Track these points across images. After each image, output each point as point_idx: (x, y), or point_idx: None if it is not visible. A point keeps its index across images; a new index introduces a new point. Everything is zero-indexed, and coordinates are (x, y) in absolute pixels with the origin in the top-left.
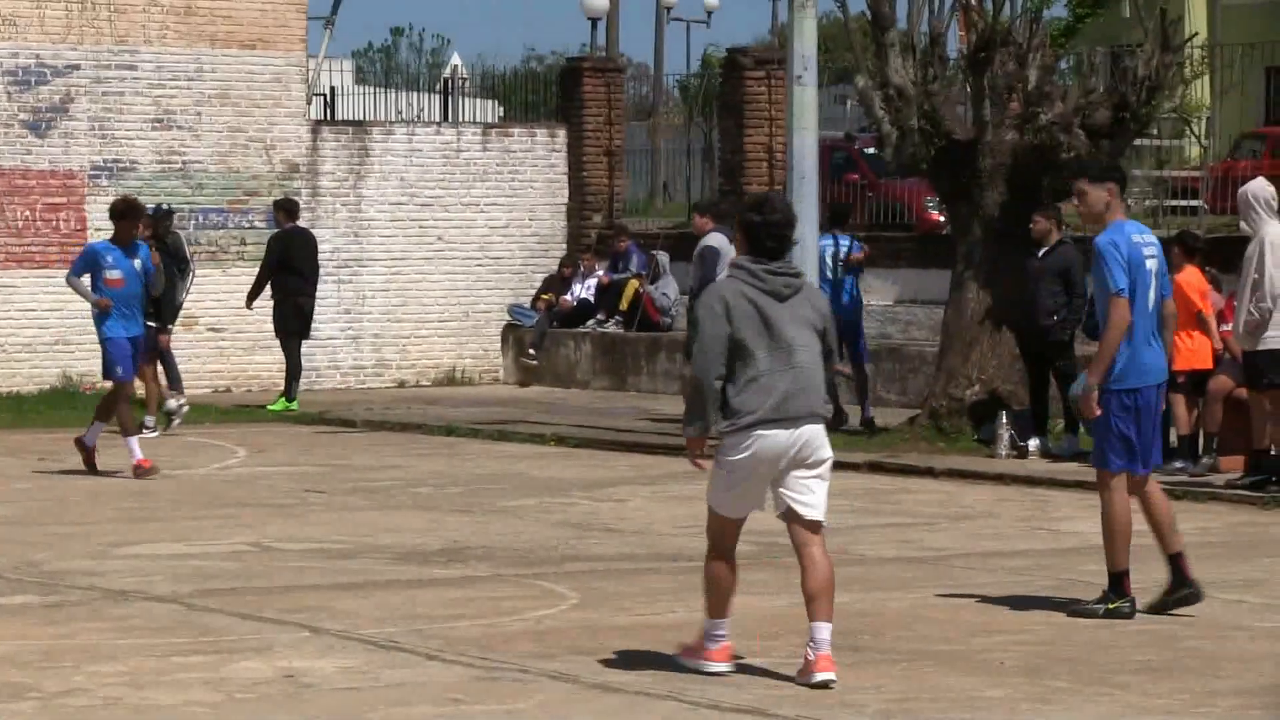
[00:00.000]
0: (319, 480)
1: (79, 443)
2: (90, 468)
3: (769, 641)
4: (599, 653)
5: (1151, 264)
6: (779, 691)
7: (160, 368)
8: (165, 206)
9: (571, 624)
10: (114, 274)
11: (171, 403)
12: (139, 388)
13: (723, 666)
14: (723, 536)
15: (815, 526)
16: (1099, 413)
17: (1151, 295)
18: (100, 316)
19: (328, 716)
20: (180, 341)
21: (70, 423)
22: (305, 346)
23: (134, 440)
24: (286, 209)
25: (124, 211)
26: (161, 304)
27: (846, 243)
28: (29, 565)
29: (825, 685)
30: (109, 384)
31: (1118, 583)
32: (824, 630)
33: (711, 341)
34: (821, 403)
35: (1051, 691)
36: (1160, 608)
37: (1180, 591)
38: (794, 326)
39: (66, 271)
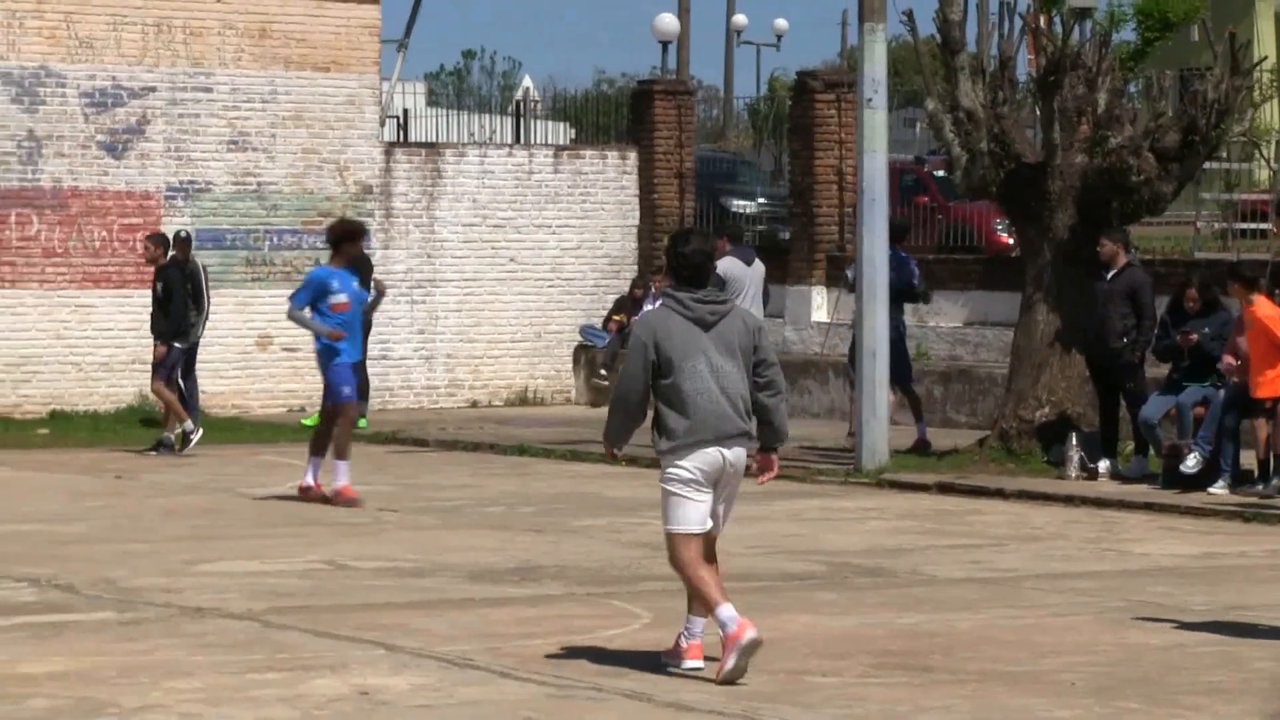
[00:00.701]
0: (392, 499)
1: (301, 490)
2: (322, 500)
3: (839, 661)
4: (671, 671)
5: None
6: (850, 712)
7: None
8: (184, 233)
9: (643, 643)
10: (340, 298)
11: (187, 424)
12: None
13: (696, 663)
14: (682, 553)
15: (713, 539)
16: None
17: None
18: (329, 345)
19: None
20: (256, 361)
21: (146, 441)
22: (377, 366)
23: (344, 465)
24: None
25: (350, 234)
26: (169, 320)
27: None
28: (106, 582)
29: (696, 670)
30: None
31: None
32: (741, 627)
33: (636, 369)
34: (744, 421)
35: (1121, 713)
36: None
37: None
38: (718, 353)
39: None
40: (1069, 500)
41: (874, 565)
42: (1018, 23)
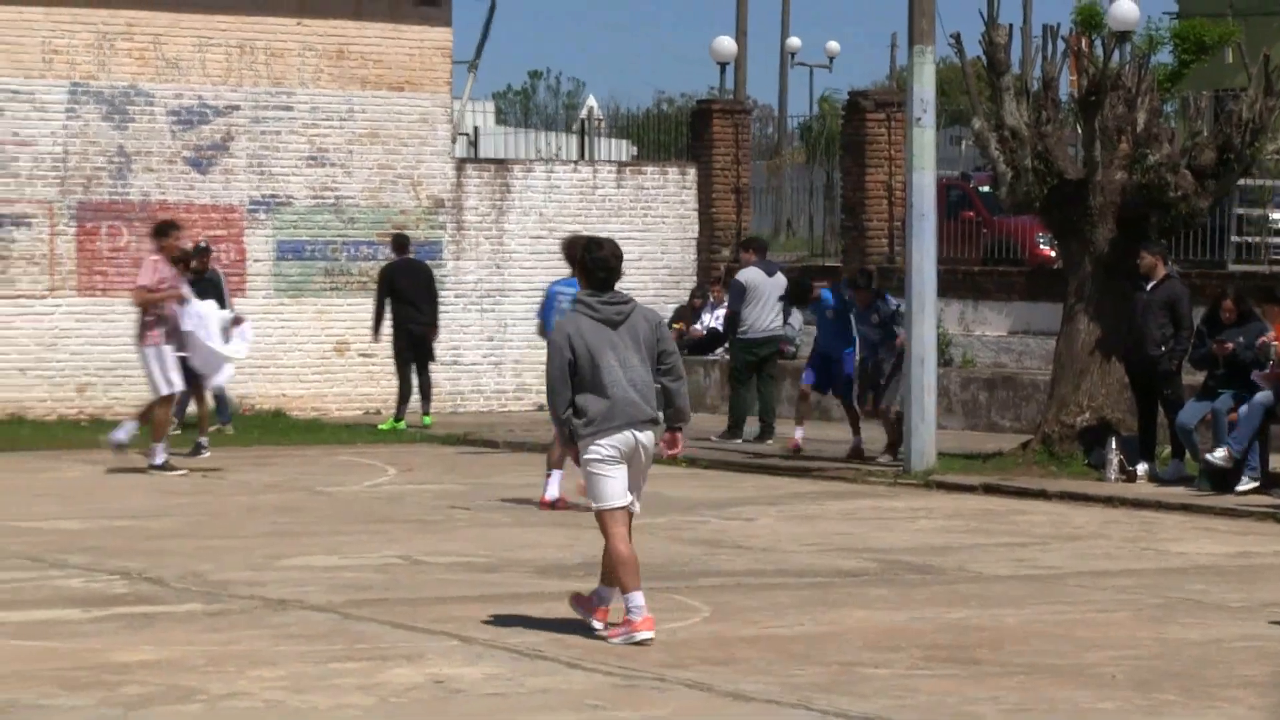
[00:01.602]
0: (463, 497)
1: (544, 504)
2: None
3: (891, 653)
4: (730, 663)
5: None
6: (901, 702)
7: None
8: (203, 244)
9: (704, 635)
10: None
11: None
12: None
13: (649, 634)
14: (612, 527)
15: (631, 516)
16: None
17: None
18: None
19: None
20: (334, 366)
21: (231, 442)
22: (449, 371)
23: (558, 474)
24: (395, 243)
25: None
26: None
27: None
28: (194, 575)
29: (646, 641)
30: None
31: None
32: (639, 596)
33: (557, 370)
34: (650, 405)
35: (1161, 704)
36: None
37: None
38: (625, 348)
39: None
40: (1109, 501)
41: (923, 563)
42: (1060, 45)
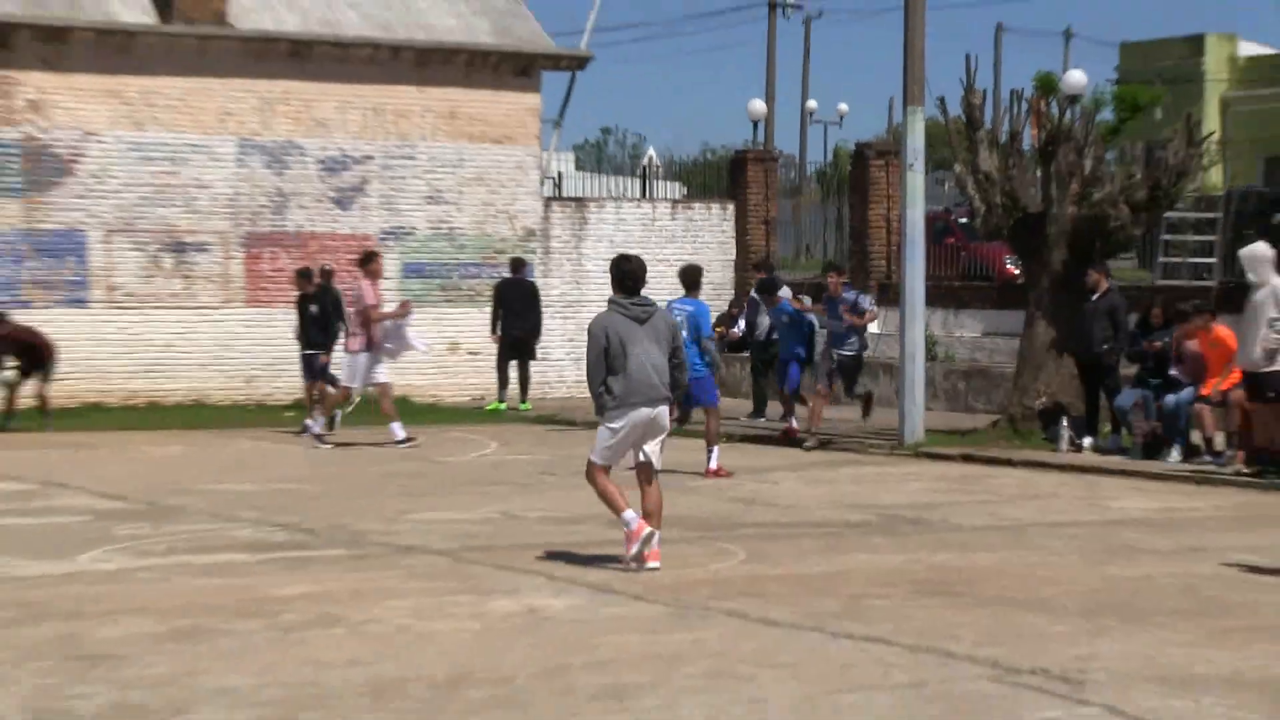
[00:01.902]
0: (551, 466)
1: (708, 473)
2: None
3: (889, 588)
4: (762, 595)
5: None
6: (899, 626)
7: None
8: (328, 266)
9: (741, 574)
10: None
11: (314, 423)
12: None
13: (655, 564)
14: (595, 473)
15: (653, 472)
16: None
17: None
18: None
19: (561, 641)
20: (447, 362)
21: (373, 423)
22: (538, 366)
23: (715, 450)
24: (513, 264)
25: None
26: (327, 338)
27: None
28: (339, 527)
29: (654, 570)
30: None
31: None
32: (656, 535)
33: (594, 355)
34: (664, 388)
35: (1103, 628)
36: None
37: None
38: (648, 341)
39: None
40: (1061, 468)
41: (914, 516)
42: (1024, 106)
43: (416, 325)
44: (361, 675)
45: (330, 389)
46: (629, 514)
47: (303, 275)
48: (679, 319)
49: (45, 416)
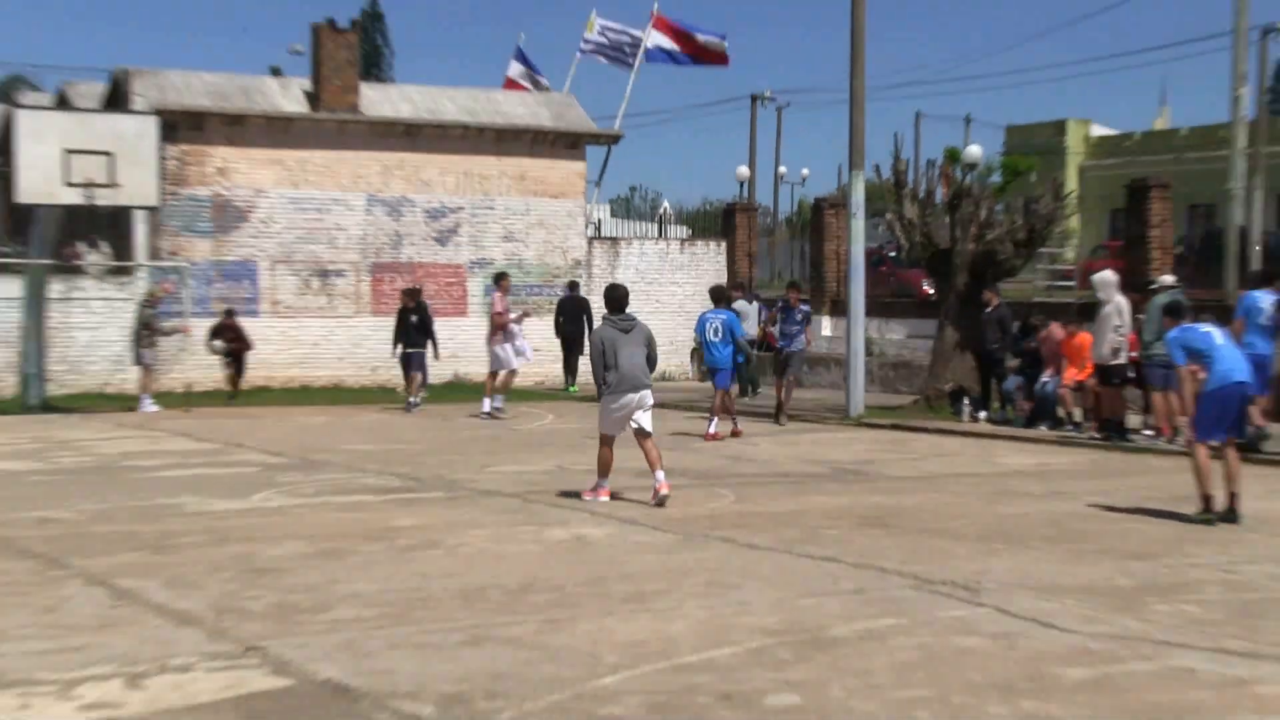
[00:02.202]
0: (591, 432)
1: (708, 436)
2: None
3: (838, 521)
4: (746, 527)
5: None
6: (846, 548)
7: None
8: (418, 287)
9: (730, 511)
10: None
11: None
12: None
13: (605, 499)
14: (606, 444)
15: (648, 435)
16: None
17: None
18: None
19: (599, 560)
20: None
21: (458, 399)
22: (584, 360)
23: (715, 420)
24: (568, 284)
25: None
26: (424, 339)
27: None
28: (438, 476)
29: (666, 498)
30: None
31: (1205, 502)
32: (661, 474)
33: (597, 355)
34: (646, 378)
35: (994, 549)
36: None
37: (1231, 516)
38: (632, 346)
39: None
40: (963, 434)
41: (856, 468)
42: (937, 171)
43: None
44: (455, 584)
45: (421, 377)
46: (604, 481)
47: (408, 293)
48: (719, 323)
49: (232, 396)
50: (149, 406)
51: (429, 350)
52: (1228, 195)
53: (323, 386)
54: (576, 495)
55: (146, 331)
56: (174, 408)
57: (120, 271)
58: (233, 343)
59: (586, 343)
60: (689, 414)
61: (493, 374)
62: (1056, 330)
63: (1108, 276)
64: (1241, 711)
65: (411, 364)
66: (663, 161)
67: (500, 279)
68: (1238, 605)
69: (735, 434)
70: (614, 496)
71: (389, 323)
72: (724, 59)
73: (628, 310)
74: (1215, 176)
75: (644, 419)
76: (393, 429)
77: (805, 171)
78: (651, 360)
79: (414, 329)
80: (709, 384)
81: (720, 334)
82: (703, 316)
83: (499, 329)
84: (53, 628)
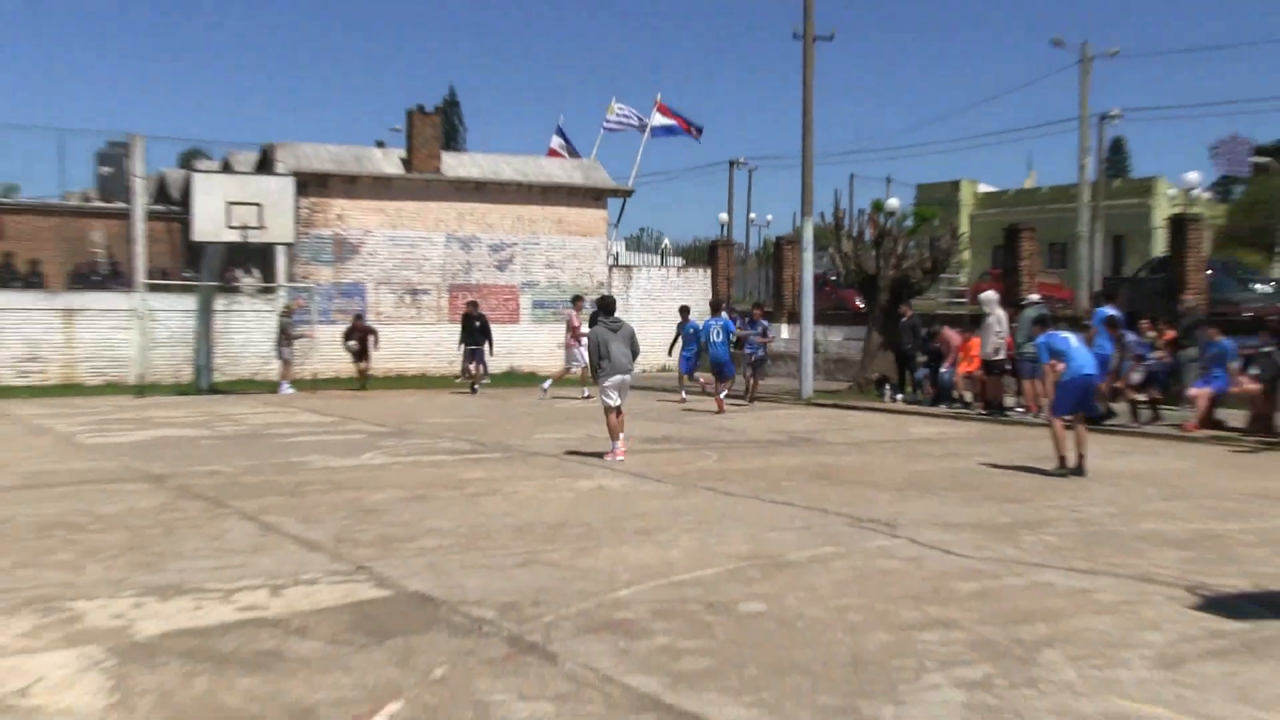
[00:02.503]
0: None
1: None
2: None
3: (794, 475)
4: (725, 479)
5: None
6: (799, 495)
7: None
8: (476, 301)
9: (714, 469)
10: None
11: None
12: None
13: (622, 458)
14: (608, 412)
15: (620, 410)
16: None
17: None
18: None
19: (616, 504)
20: (555, 353)
21: (513, 385)
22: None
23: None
24: (600, 302)
25: (607, 304)
26: (484, 340)
27: (723, 322)
28: (497, 441)
29: (620, 460)
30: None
31: (1060, 461)
32: (623, 439)
33: (594, 348)
34: (629, 365)
35: (909, 494)
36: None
37: (1079, 471)
38: (619, 343)
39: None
40: (886, 411)
41: (807, 437)
42: (865, 216)
43: (538, 334)
44: (510, 521)
45: (482, 368)
46: (617, 444)
47: (472, 304)
48: (718, 327)
49: (362, 383)
50: (286, 390)
51: (486, 348)
52: (1076, 237)
53: (413, 375)
54: (599, 456)
55: (284, 335)
56: (304, 391)
57: (266, 291)
58: (361, 341)
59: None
60: (666, 397)
61: (566, 369)
62: (953, 335)
63: (991, 295)
64: (1085, 613)
65: (474, 358)
66: (664, 209)
67: (576, 300)
68: (1083, 536)
69: (720, 410)
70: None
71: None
72: (699, 134)
73: (616, 314)
74: (1068, 223)
75: (624, 398)
76: (464, 407)
77: (770, 217)
78: (635, 352)
79: (476, 332)
80: (709, 375)
81: (720, 335)
82: (706, 323)
83: (575, 337)
84: (217, 551)
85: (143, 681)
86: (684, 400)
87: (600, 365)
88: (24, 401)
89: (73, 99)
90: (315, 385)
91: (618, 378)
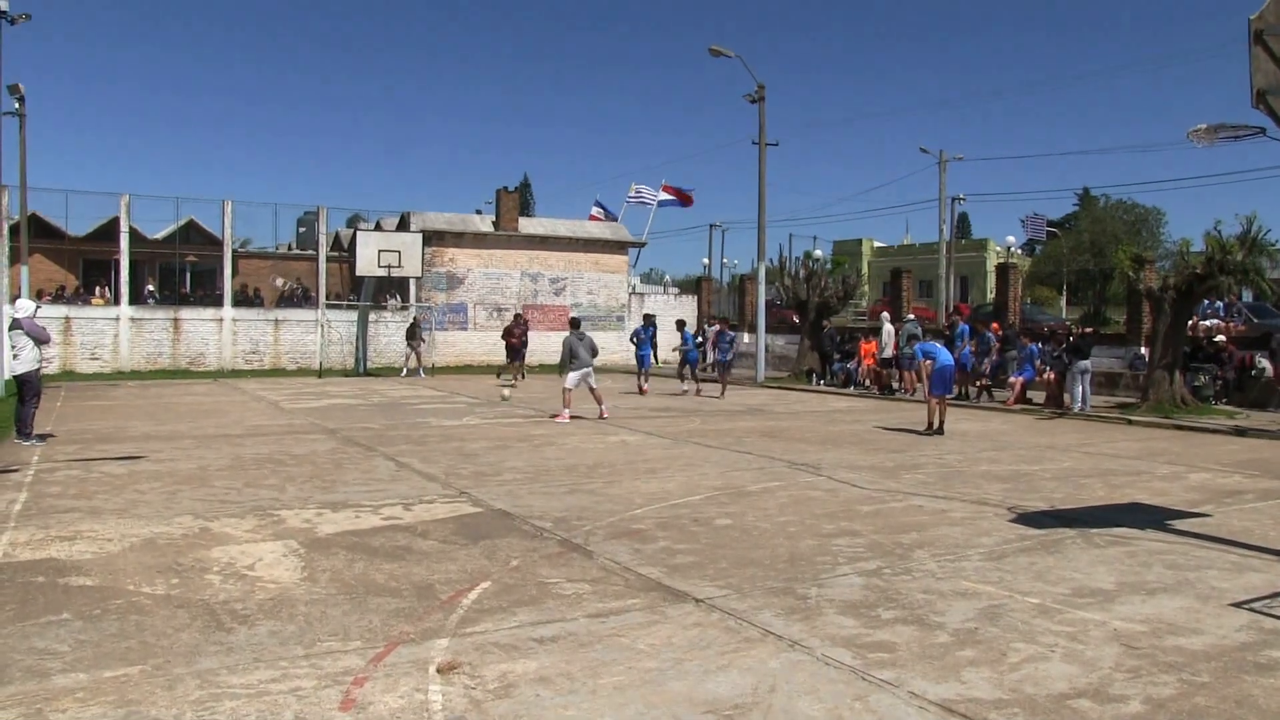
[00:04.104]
0: (632, 391)
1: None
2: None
3: (752, 435)
4: (705, 437)
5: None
6: (755, 448)
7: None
8: (522, 313)
9: (698, 429)
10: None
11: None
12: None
13: (566, 420)
14: (567, 394)
15: (594, 389)
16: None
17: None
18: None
19: (633, 452)
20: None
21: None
22: (628, 355)
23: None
24: (571, 321)
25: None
26: (527, 342)
27: (690, 339)
28: (541, 411)
29: (603, 416)
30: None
31: (929, 425)
32: (604, 406)
33: (566, 352)
34: (590, 362)
35: (826, 448)
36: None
37: (940, 431)
38: (583, 349)
39: (560, 333)
40: (813, 392)
41: (760, 408)
42: (800, 260)
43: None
44: (562, 463)
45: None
46: (566, 410)
47: (519, 317)
48: (687, 338)
49: (518, 376)
50: (421, 375)
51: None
52: (937, 277)
53: (498, 364)
54: (614, 424)
55: (412, 340)
56: (431, 375)
57: (402, 308)
58: (518, 340)
59: (636, 346)
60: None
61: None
62: (862, 343)
63: (885, 316)
64: (942, 525)
65: (518, 355)
66: (666, 254)
67: (647, 318)
68: (943, 474)
69: (698, 393)
70: (637, 424)
71: (532, 335)
72: (690, 201)
73: (582, 328)
74: (932, 267)
75: (592, 381)
76: (531, 388)
77: (736, 261)
78: (594, 353)
79: (519, 341)
80: (687, 368)
81: (688, 343)
82: (686, 334)
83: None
84: (369, 480)
85: (322, 564)
86: (683, 389)
87: (571, 363)
88: (248, 380)
89: (284, 180)
90: (433, 371)
91: (581, 370)
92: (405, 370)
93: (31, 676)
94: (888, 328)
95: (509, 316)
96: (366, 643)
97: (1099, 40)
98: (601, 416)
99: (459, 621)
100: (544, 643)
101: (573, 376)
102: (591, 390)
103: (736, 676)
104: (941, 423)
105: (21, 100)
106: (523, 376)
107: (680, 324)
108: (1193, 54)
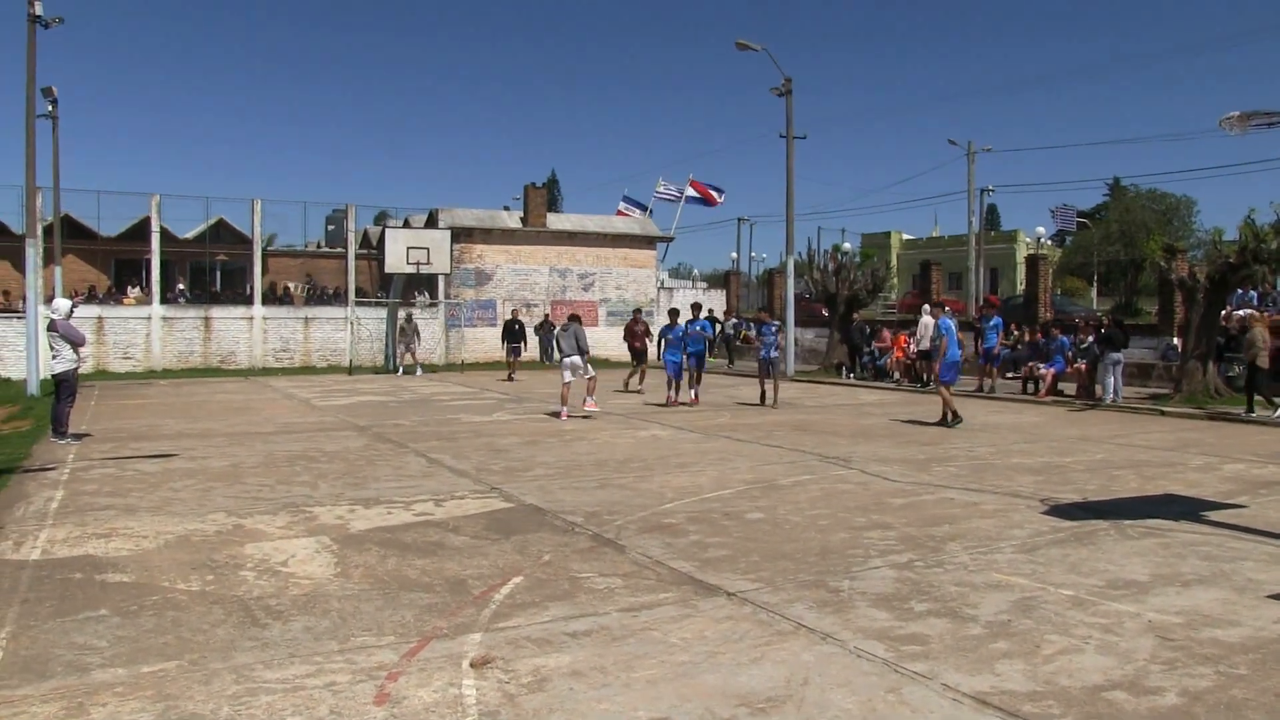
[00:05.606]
0: (658, 387)
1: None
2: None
3: (780, 428)
4: (737, 430)
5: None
6: (786, 441)
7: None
8: (550, 316)
9: (729, 423)
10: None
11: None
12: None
13: (566, 417)
14: (565, 386)
15: (587, 378)
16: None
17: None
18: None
19: (664, 447)
20: (623, 347)
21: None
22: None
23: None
24: (670, 312)
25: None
26: (525, 342)
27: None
28: (570, 405)
29: (591, 414)
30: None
31: (954, 413)
32: (593, 400)
33: (556, 343)
34: (575, 353)
35: (857, 441)
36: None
37: (957, 421)
38: (567, 340)
39: (590, 329)
40: (843, 385)
41: (791, 401)
42: (829, 252)
43: (612, 332)
44: (592, 458)
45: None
46: (565, 408)
47: (637, 314)
48: (700, 328)
49: (640, 373)
50: (418, 373)
51: (523, 345)
52: (966, 268)
53: (526, 360)
54: (644, 418)
55: (404, 337)
56: (454, 371)
57: (431, 305)
58: (640, 343)
59: (659, 342)
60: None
61: (637, 366)
62: (886, 334)
63: (925, 307)
64: (974, 518)
65: (515, 354)
66: (694, 249)
67: (636, 312)
68: (973, 467)
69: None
70: (667, 419)
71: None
72: (716, 200)
73: (568, 322)
74: (961, 259)
75: (581, 371)
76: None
77: (765, 255)
78: (582, 348)
79: (517, 334)
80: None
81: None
82: (685, 327)
83: (635, 337)
84: (400, 476)
85: (355, 560)
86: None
87: (555, 355)
88: (278, 377)
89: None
90: (463, 368)
91: (567, 360)
92: (401, 369)
93: (72, 671)
94: (925, 319)
95: (538, 313)
96: (400, 638)
97: (1130, 30)
98: (586, 406)
99: (492, 616)
100: (577, 637)
101: (566, 370)
102: (584, 379)
103: (769, 669)
104: (954, 413)
105: (54, 103)
106: (642, 378)
107: (673, 314)
108: (1225, 41)
